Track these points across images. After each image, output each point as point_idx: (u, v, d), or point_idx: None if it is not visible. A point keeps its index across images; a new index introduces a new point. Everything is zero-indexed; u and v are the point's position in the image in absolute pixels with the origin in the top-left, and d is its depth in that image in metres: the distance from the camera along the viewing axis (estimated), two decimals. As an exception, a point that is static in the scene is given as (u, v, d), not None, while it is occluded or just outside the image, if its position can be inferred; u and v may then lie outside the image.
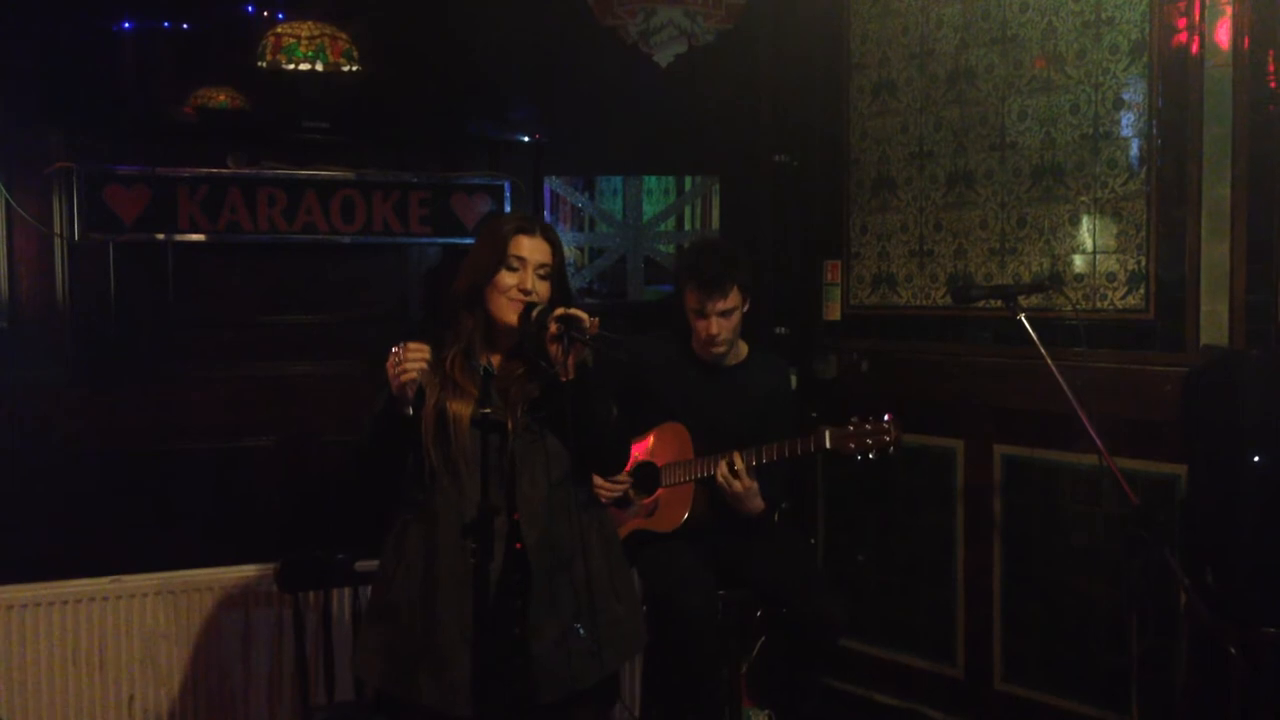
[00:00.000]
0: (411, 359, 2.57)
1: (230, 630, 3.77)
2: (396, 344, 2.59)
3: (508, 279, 2.70)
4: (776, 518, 3.90)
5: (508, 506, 2.54)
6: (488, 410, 2.56)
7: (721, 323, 3.58)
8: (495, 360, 2.76)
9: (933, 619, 4.38)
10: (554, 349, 2.59)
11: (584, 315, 2.57)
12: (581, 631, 2.67)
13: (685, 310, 3.65)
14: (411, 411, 2.63)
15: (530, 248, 2.72)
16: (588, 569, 2.71)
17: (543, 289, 2.72)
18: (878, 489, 4.52)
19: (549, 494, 2.70)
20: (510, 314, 2.70)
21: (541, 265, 2.73)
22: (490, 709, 2.57)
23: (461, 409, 2.67)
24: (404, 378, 2.57)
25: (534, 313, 2.65)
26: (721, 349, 3.63)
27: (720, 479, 3.48)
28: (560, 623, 2.67)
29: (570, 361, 2.58)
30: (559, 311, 2.59)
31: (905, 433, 3.47)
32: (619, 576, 2.84)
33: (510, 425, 2.63)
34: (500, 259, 2.71)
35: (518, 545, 2.52)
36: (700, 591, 3.45)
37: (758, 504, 3.52)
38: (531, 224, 2.79)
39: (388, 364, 2.59)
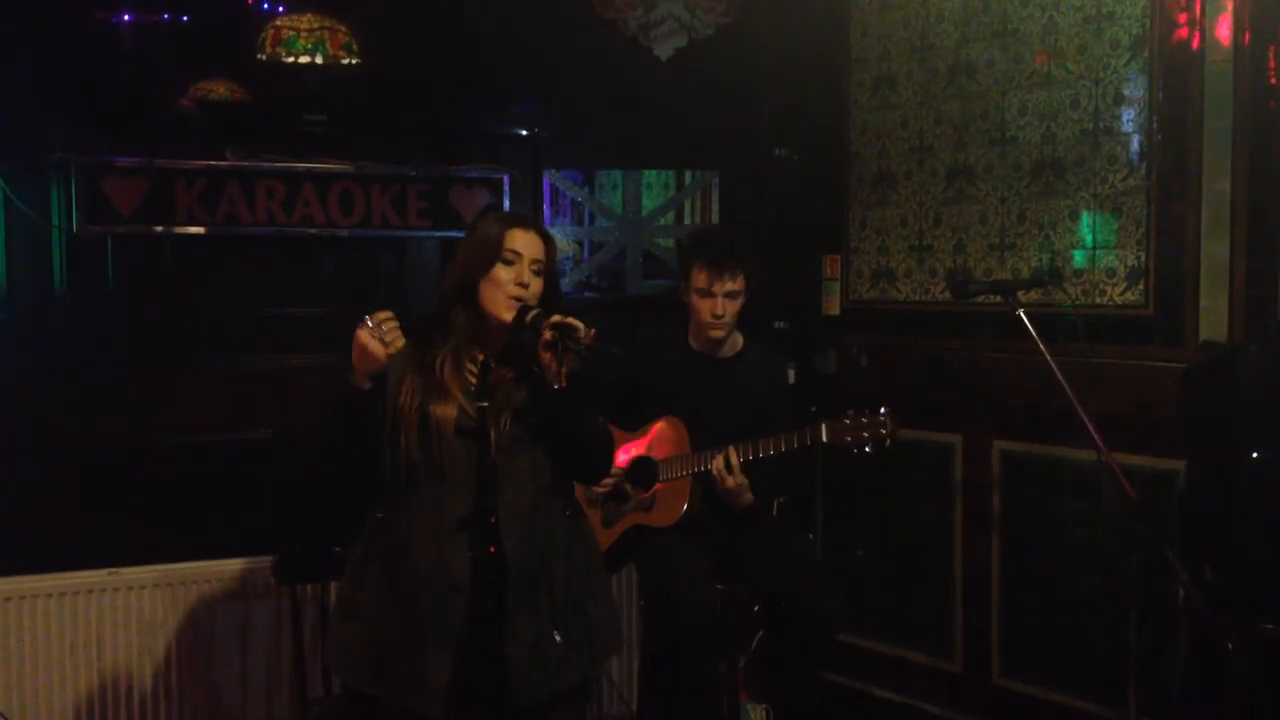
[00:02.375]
0: (390, 329, 2.51)
1: (228, 622, 3.77)
2: (366, 318, 2.53)
3: (503, 273, 2.67)
4: (775, 512, 3.90)
5: (487, 509, 2.54)
6: (484, 404, 2.55)
7: (727, 304, 3.58)
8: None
9: (931, 614, 4.38)
10: (547, 356, 2.57)
11: (579, 324, 2.55)
12: (558, 637, 2.65)
13: (687, 294, 3.64)
14: (370, 385, 2.57)
15: (525, 242, 2.70)
16: (566, 575, 2.70)
17: (536, 285, 2.70)
18: (877, 484, 4.51)
19: (531, 500, 2.67)
20: (504, 310, 2.66)
21: (535, 261, 2.70)
22: (466, 711, 2.56)
23: (446, 412, 2.62)
24: (391, 350, 2.52)
25: (529, 316, 2.61)
26: (721, 332, 3.63)
27: (716, 473, 3.48)
28: (537, 627, 2.65)
29: (564, 370, 2.56)
30: (555, 318, 2.56)
31: (904, 428, 3.47)
32: (597, 582, 2.82)
33: (494, 431, 2.61)
34: (496, 253, 2.69)
35: (491, 549, 2.50)
36: (698, 586, 3.45)
37: (747, 498, 3.52)
38: (526, 220, 2.79)
39: (359, 335, 2.52)
